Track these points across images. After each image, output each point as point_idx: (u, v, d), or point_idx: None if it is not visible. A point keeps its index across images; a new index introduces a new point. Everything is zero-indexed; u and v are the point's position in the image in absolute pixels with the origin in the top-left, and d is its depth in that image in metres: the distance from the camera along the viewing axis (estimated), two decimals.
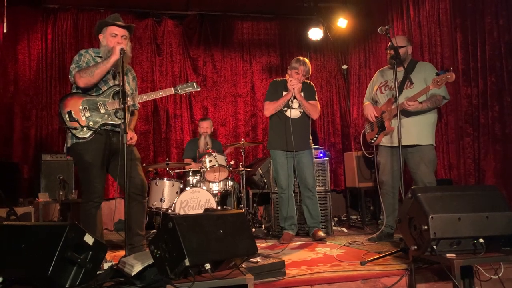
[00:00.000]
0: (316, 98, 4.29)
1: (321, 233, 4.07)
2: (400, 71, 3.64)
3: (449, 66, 4.37)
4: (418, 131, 3.67)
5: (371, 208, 5.90)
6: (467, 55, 4.24)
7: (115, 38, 3.08)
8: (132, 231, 3.09)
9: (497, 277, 2.45)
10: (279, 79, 4.44)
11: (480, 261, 2.36)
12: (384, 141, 3.88)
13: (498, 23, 3.90)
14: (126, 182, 2.76)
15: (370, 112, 3.95)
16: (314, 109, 4.20)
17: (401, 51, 3.67)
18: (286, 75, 4.27)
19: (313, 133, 4.48)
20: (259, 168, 5.27)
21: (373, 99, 4.06)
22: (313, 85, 4.37)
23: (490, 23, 3.97)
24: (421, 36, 4.93)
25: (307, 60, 4.20)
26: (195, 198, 4.63)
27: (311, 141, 4.29)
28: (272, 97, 4.23)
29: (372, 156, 4.13)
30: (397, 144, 3.42)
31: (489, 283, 2.49)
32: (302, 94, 4.16)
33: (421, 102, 3.60)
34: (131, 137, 3.17)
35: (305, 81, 4.29)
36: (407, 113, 3.63)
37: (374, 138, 3.95)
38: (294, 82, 4.07)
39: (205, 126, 5.54)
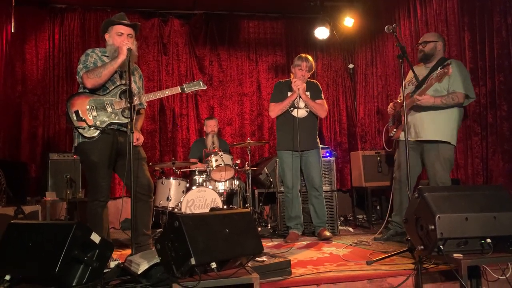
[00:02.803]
0: (323, 97, 4.28)
1: (327, 233, 4.07)
2: (429, 67, 3.78)
3: None
4: (435, 127, 3.62)
5: (378, 207, 5.88)
6: (475, 54, 4.20)
7: (121, 37, 3.09)
8: (139, 230, 3.10)
9: (504, 277, 2.44)
10: (283, 80, 4.44)
11: (488, 261, 2.35)
12: (402, 136, 3.85)
13: (507, 21, 3.87)
14: (133, 182, 2.77)
15: (390, 104, 4.00)
16: (321, 108, 4.20)
17: (429, 46, 3.81)
18: (291, 73, 4.27)
19: (319, 132, 4.47)
20: (265, 168, 5.26)
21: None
22: (319, 84, 4.36)
23: (499, 21, 3.94)
24: None
25: (309, 56, 4.20)
26: (201, 197, 4.64)
27: (318, 140, 4.28)
28: (277, 99, 4.23)
29: (391, 149, 4.14)
30: (415, 139, 3.59)
31: (497, 284, 2.48)
32: (308, 94, 4.15)
33: (435, 97, 3.57)
34: (138, 138, 3.18)
35: (311, 80, 4.29)
36: (423, 108, 3.62)
37: (393, 132, 3.96)
38: (298, 82, 4.07)
39: (213, 125, 5.55)
